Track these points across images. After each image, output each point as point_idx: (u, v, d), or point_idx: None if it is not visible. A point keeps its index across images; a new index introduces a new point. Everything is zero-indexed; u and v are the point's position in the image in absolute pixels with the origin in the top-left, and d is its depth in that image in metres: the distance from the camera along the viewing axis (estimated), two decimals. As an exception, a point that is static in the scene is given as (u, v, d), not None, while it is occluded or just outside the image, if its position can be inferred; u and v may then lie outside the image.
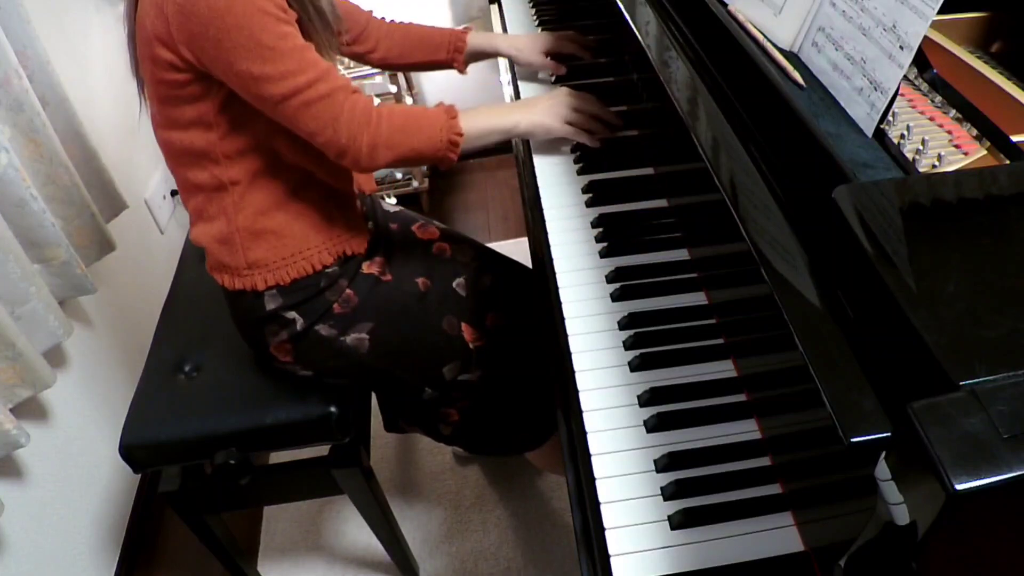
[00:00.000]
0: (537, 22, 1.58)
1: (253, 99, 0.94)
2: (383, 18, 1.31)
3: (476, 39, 1.32)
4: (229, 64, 0.90)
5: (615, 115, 1.14)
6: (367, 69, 2.16)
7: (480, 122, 1.06)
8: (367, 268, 1.14)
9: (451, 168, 2.62)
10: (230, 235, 1.05)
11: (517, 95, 1.36)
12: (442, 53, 1.31)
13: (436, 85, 2.47)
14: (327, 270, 1.09)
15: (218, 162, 1.01)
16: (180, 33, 0.90)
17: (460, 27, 1.33)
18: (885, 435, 0.47)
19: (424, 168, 2.41)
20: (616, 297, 0.93)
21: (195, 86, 0.95)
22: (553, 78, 1.34)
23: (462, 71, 1.34)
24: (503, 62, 1.46)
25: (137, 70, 1.02)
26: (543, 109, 1.10)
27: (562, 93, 1.13)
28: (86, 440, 1.55)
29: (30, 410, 1.39)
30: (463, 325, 1.16)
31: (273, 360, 1.15)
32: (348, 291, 1.11)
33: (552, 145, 1.21)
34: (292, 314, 1.09)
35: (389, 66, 1.33)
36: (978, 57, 0.83)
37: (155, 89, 0.99)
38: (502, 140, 1.11)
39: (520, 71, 1.40)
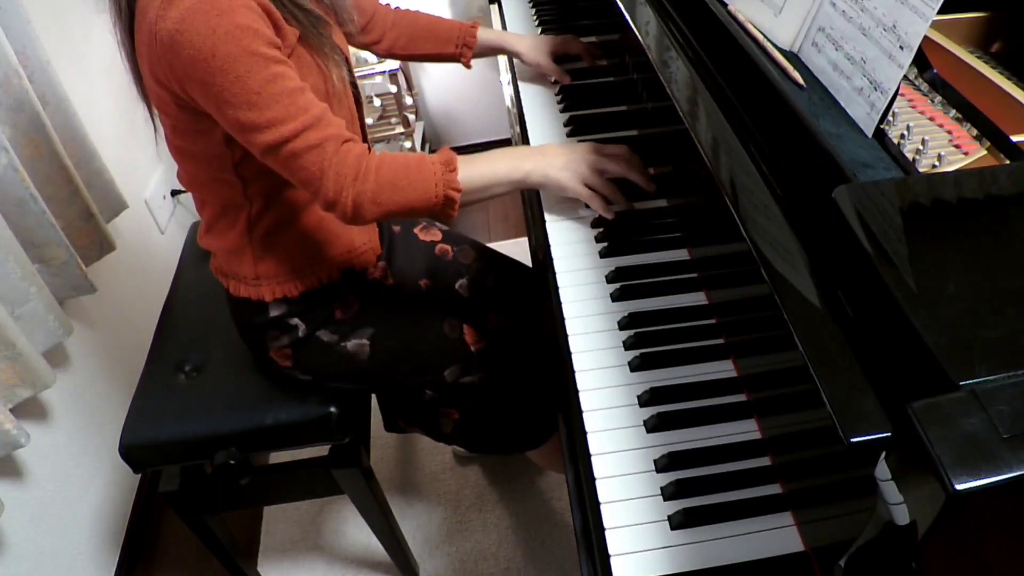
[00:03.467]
0: (537, 22, 1.58)
1: (245, 145, 0.89)
2: (388, 4, 1.29)
3: (485, 35, 1.31)
4: (217, 108, 0.85)
5: (648, 178, 1.03)
6: (367, 69, 2.16)
7: (483, 171, 0.96)
8: (370, 274, 1.13)
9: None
10: (242, 247, 1.04)
11: (517, 95, 1.36)
12: (450, 47, 1.29)
13: (436, 86, 2.47)
14: (334, 281, 1.09)
15: (234, 185, 0.99)
16: (172, 72, 0.85)
17: (468, 21, 1.32)
18: (885, 435, 0.47)
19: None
20: (616, 297, 0.93)
21: (202, 121, 0.91)
22: (557, 87, 1.34)
23: (468, 66, 1.33)
24: (503, 61, 1.46)
25: (145, 97, 0.98)
26: (561, 163, 0.99)
27: (586, 148, 1.01)
28: (86, 440, 1.55)
29: (30, 410, 1.39)
30: (465, 327, 1.16)
31: (273, 364, 1.15)
32: (350, 297, 1.10)
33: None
34: (295, 320, 1.09)
35: (394, 56, 1.31)
36: (978, 57, 0.83)
37: (163, 118, 0.96)
38: (511, 191, 1.00)
39: (520, 71, 1.40)
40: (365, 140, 1.13)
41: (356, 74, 2.15)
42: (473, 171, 0.94)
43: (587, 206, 1.03)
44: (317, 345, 1.11)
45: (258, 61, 0.83)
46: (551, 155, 1.00)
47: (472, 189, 0.94)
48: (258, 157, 0.89)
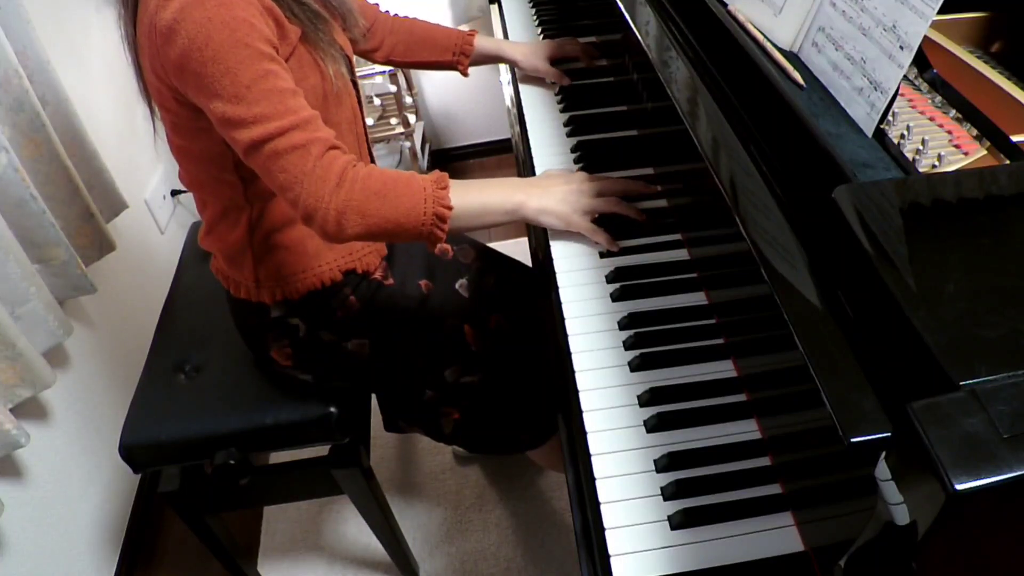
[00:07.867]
0: (537, 22, 1.58)
1: (230, 143, 0.86)
2: (387, 12, 1.29)
3: (482, 43, 1.31)
4: (207, 101, 0.83)
5: (644, 185, 1.03)
6: (367, 69, 2.16)
7: (476, 197, 0.92)
8: (371, 274, 1.13)
9: (452, 157, 2.64)
10: (243, 250, 1.04)
11: (517, 96, 1.36)
12: (448, 55, 1.30)
13: (436, 86, 2.47)
14: (335, 282, 1.09)
15: (235, 186, 0.99)
16: (168, 64, 0.84)
17: (465, 28, 1.32)
18: (885, 435, 0.47)
19: (424, 167, 2.41)
20: (616, 297, 0.93)
21: (202, 119, 0.89)
22: (556, 87, 1.34)
23: (465, 74, 1.34)
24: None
25: (146, 93, 0.97)
26: (558, 196, 0.97)
27: (579, 178, 1.00)
28: (86, 440, 1.55)
29: (30, 410, 1.39)
30: (466, 327, 1.16)
31: (273, 364, 1.15)
32: (351, 297, 1.10)
33: (552, 144, 1.21)
34: (296, 321, 1.09)
35: (392, 63, 1.32)
36: (978, 57, 0.83)
37: (164, 115, 0.96)
38: (504, 222, 0.97)
39: (520, 74, 1.40)
40: (367, 138, 1.13)
41: (356, 74, 2.15)
42: (464, 195, 0.91)
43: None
44: (318, 345, 1.11)
45: (251, 55, 0.81)
46: (546, 185, 0.98)
47: (462, 213, 0.90)
48: (241, 157, 0.86)
